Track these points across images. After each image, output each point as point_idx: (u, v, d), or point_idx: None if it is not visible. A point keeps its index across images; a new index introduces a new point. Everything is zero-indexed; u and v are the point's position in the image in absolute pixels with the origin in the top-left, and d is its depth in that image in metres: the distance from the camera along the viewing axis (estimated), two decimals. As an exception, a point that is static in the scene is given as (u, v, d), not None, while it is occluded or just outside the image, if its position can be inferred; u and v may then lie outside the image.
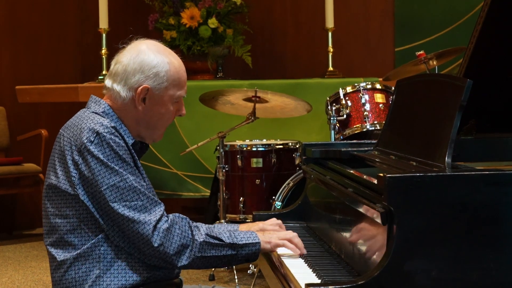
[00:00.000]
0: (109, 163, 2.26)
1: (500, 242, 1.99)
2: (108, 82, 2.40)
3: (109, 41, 5.96)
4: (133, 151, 2.35)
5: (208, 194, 5.50)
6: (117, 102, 2.38)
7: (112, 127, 2.30)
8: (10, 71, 6.70)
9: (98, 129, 2.27)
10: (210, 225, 2.43)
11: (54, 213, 2.34)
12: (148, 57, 2.37)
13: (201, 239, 2.32)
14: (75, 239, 2.31)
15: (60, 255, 2.33)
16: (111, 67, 2.41)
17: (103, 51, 5.95)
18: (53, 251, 2.35)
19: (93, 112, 2.36)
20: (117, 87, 2.37)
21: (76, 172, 2.28)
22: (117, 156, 2.27)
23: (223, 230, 2.44)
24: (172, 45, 6.27)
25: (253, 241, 2.38)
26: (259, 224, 2.57)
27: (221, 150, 4.60)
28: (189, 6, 6.31)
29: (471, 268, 1.97)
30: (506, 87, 2.73)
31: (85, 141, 2.27)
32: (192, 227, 2.34)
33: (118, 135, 2.31)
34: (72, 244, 2.31)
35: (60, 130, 2.39)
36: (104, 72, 5.88)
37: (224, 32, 6.30)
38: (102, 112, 2.36)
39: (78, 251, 2.30)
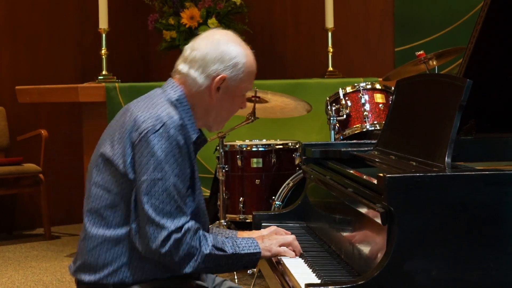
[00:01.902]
0: (160, 158, 2.25)
1: (500, 242, 1.99)
2: (183, 67, 2.41)
3: (109, 41, 5.96)
4: (193, 152, 2.35)
5: (208, 194, 5.49)
6: (191, 89, 2.39)
7: (180, 124, 2.30)
8: (10, 71, 6.70)
9: (165, 121, 2.28)
10: (214, 235, 2.41)
11: (98, 183, 2.34)
12: (228, 48, 2.40)
13: (207, 251, 2.32)
14: (111, 216, 2.31)
15: (92, 228, 2.33)
16: (186, 52, 2.42)
17: (103, 51, 5.94)
18: (87, 220, 2.35)
19: (167, 99, 2.36)
20: (195, 74, 2.38)
21: (131, 152, 2.29)
22: (172, 153, 2.27)
23: (225, 237, 2.45)
24: (172, 45, 6.27)
25: (254, 251, 2.39)
26: (256, 234, 2.59)
27: (221, 150, 4.60)
28: (189, 6, 6.31)
29: (471, 268, 1.97)
30: (506, 87, 2.73)
31: (150, 128, 2.27)
32: (201, 237, 2.33)
33: (183, 133, 2.30)
34: (106, 220, 2.32)
35: (131, 105, 2.39)
36: (104, 72, 5.87)
37: (224, 32, 6.29)
38: (176, 100, 2.36)
39: (109, 234, 2.31)
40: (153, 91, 2.43)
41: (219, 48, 2.39)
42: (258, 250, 2.40)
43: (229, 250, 2.35)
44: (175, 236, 2.26)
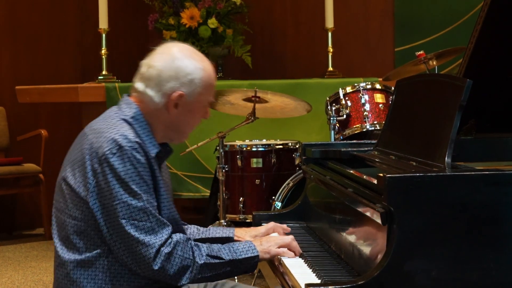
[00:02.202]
0: (125, 179, 2.24)
1: (500, 242, 1.99)
2: (140, 86, 2.38)
3: (109, 41, 5.95)
4: (155, 167, 2.32)
5: (208, 194, 5.49)
6: (149, 106, 2.36)
7: (136, 141, 2.28)
8: (10, 71, 6.70)
9: (121, 142, 2.26)
10: (208, 244, 2.39)
11: (63, 210, 2.33)
12: (183, 63, 2.35)
13: (202, 261, 2.31)
14: (81, 242, 2.30)
15: (65, 254, 2.32)
16: (142, 69, 2.38)
17: (103, 51, 5.94)
18: (58, 247, 2.34)
19: (122, 118, 2.34)
20: (151, 92, 2.35)
21: (93, 179, 2.27)
22: (135, 172, 2.25)
23: (221, 240, 2.44)
24: (172, 45, 6.26)
25: (252, 255, 2.38)
26: (254, 230, 2.58)
27: (221, 150, 4.59)
28: (189, 6, 6.31)
29: (471, 268, 1.97)
30: (506, 87, 2.73)
31: (107, 152, 2.25)
32: (194, 248, 2.32)
33: (140, 150, 2.28)
34: (76, 247, 2.30)
35: (86, 129, 2.38)
36: (104, 72, 5.87)
37: (224, 32, 6.29)
38: (132, 118, 2.34)
39: (82, 257, 2.29)
40: (109, 110, 2.40)
41: (174, 65, 2.34)
42: (256, 254, 2.39)
43: (226, 256, 2.34)
44: (164, 250, 2.26)
